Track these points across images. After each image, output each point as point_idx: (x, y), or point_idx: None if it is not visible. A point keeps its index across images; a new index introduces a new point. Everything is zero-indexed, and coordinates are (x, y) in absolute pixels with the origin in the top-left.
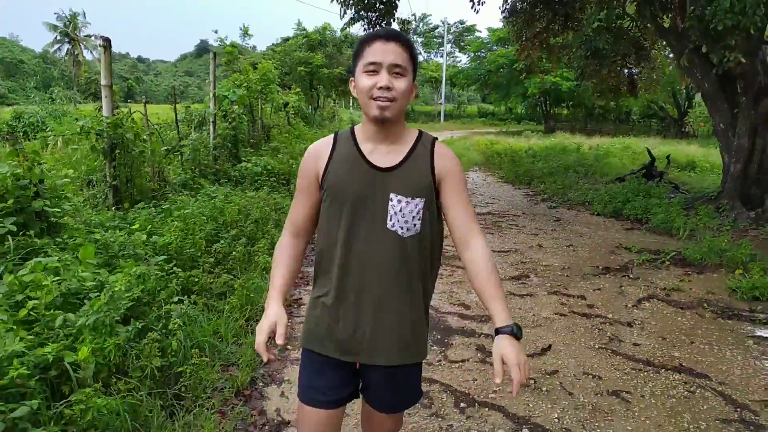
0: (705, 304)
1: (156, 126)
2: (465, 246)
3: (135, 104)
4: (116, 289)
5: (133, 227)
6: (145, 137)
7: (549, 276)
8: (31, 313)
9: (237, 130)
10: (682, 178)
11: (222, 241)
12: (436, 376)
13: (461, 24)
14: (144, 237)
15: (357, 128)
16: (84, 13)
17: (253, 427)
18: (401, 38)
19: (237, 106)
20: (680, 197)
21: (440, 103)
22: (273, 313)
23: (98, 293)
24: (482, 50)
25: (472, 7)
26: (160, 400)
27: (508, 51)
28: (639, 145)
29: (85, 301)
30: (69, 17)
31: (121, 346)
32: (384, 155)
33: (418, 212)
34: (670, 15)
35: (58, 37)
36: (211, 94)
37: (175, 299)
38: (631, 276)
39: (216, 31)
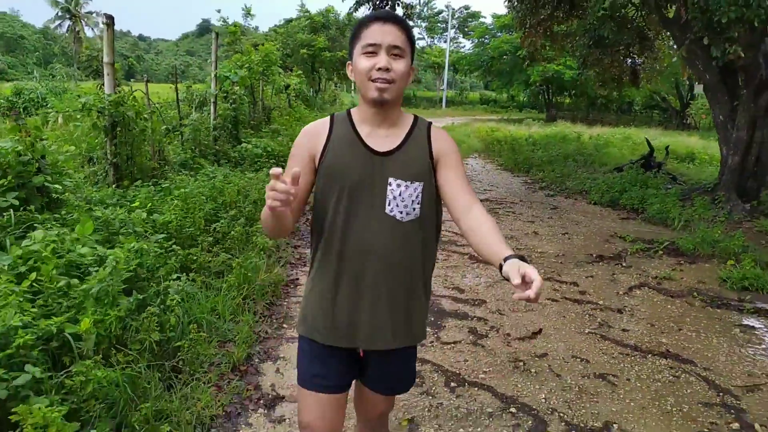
0: (695, 293)
1: (157, 105)
2: (467, 211)
3: (136, 83)
4: (118, 260)
5: (134, 205)
6: (146, 116)
7: (543, 263)
8: (34, 284)
9: (238, 111)
10: (680, 170)
11: (221, 221)
12: (428, 357)
13: (465, 9)
14: (144, 215)
15: (354, 111)
16: None
17: (249, 401)
18: (399, 20)
19: (238, 87)
20: (677, 188)
21: (442, 89)
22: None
23: (98, 267)
24: (486, 36)
25: None
26: (159, 373)
27: (512, 38)
28: (640, 136)
29: (85, 276)
30: None
31: (122, 319)
32: (382, 139)
33: (417, 196)
34: (674, 5)
35: (60, 13)
36: (213, 75)
37: (174, 276)
38: (624, 264)
39: (219, 11)
